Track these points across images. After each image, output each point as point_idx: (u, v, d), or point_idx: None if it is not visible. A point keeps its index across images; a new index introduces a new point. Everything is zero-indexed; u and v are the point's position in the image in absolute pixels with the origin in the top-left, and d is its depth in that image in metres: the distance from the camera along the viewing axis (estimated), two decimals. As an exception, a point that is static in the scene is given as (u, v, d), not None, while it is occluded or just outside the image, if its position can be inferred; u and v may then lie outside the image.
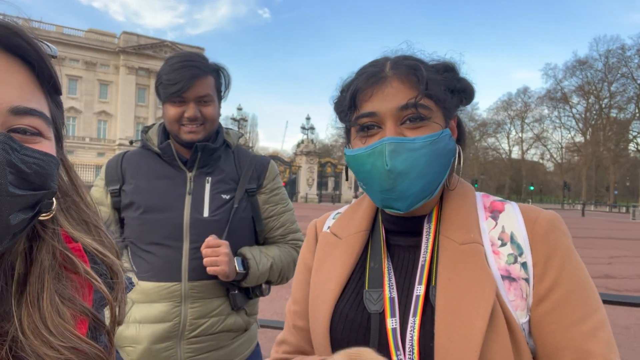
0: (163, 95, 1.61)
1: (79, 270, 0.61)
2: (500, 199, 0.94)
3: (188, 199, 1.63)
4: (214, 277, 1.55)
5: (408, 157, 0.81)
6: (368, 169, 0.85)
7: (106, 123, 59.59)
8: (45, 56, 0.58)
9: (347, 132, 0.95)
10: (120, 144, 57.46)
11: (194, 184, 1.65)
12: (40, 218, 0.58)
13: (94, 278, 0.62)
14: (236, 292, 1.61)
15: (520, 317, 0.79)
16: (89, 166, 50.38)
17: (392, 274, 0.88)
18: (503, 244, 0.84)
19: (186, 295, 1.55)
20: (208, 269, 1.51)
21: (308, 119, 44.93)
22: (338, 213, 1.07)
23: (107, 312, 0.66)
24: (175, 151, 1.65)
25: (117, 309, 0.65)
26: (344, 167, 0.98)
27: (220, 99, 1.72)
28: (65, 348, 0.55)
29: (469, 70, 0.93)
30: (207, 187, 1.65)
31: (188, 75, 1.55)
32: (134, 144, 2.17)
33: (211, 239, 1.53)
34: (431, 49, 0.93)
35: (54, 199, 0.59)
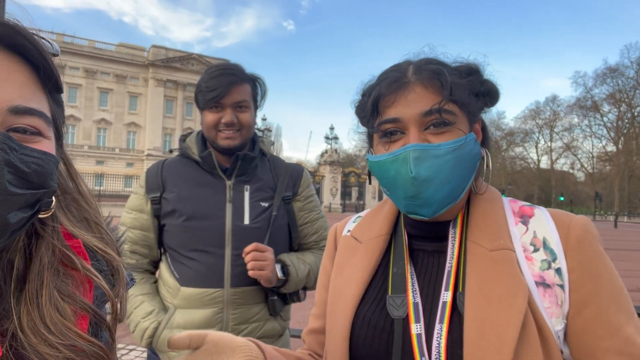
0: (202, 102, 1.67)
1: (77, 267, 0.61)
2: (528, 203, 0.92)
3: (229, 207, 1.66)
4: (255, 283, 1.59)
5: (433, 164, 0.80)
6: (392, 175, 0.84)
7: (135, 134, 61.18)
8: (47, 55, 0.58)
9: (370, 137, 0.94)
10: (148, 154, 58.85)
11: (234, 192, 1.68)
12: (40, 216, 0.58)
13: (94, 274, 0.62)
14: (275, 298, 1.66)
15: (556, 325, 0.77)
16: (118, 176, 51.74)
17: (415, 279, 0.87)
18: (536, 250, 0.82)
19: (228, 301, 1.58)
20: (253, 272, 1.53)
21: (332, 128, 45.02)
22: (359, 217, 1.07)
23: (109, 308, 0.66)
24: (215, 159, 1.69)
25: (118, 305, 0.65)
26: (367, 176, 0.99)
27: (256, 107, 1.77)
28: (64, 346, 0.54)
29: (493, 72, 0.90)
30: (246, 195, 1.69)
31: (225, 82, 1.61)
32: (173, 152, 2.22)
33: (259, 244, 1.57)
34: (454, 53, 0.91)
35: (53, 197, 0.59)
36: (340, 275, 0.96)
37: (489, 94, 0.89)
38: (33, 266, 0.58)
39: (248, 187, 1.70)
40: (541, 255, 0.81)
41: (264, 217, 1.68)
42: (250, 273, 1.54)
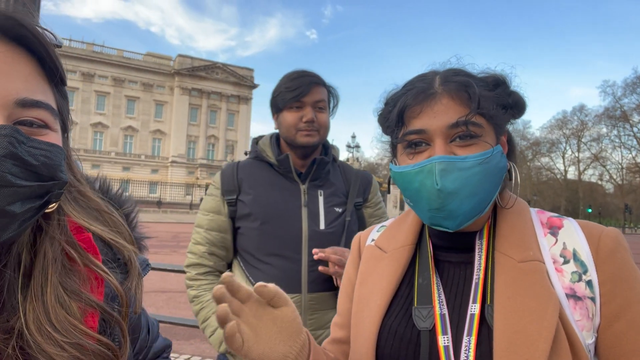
0: (282, 102, 1.69)
1: (85, 262, 0.61)
2: (556, 214, 0.90)
3: (304, 211, 1.67)
4: (331, 289, 1.59)
5: (459, 177, 0.79)
6: (416, 187, 0.83)
7: (160, 141, 62.33)
8: (50, 47, 0.58)
9: (393, 146, 0.93)
10: (172, 161, 59.87)
11: (308, 197, 1.69)
12: (45, 211, 0.57)
13: (101, 269, 0.61)
14: None
15: (587, 338, 0.76)
16: (144, 182, 52.75)
17: (442, 290, 0.86)
18: (566, 262, 0.81)
19: (306, 306, 1.58)
20: (334, 269, 1.54)
21: (353, 137, 45.00)
22: (383, 226, 1.06)
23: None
24: (292, 163, 1.71)
25: (130, 297, 0.65)
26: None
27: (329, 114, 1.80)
28: (70, 344, 0.54)
29: (520, 84, 0.89)
30: (321, 200, 1.70)
31: (306, 82, 1.66)
32: (246, 155, 2.24)
33: (336, 247, 1.58)
34: (481, 65, 0.90)
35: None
36: (365, 285, 0.95)
37: (516, 106, 0.88)
38: (37, 262, 0.58)
39: (322, 191, 1.71)
40: (571, 267, 0.80)
41: (338, 223, 1.68)
42: (330, 269, 1.54)
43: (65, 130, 0.64)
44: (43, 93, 0.57)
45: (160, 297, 7.57)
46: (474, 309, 0.80)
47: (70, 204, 0.64)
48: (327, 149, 1.79)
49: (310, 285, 1.58)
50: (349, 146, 44.92)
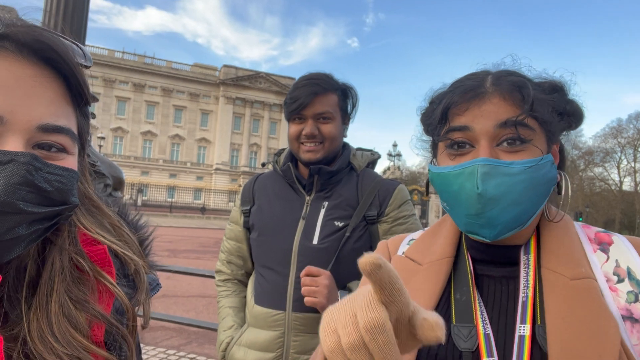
0: (286, 114, 1.63)
1: (94, 274, 0.61)
2: (602, 230, 0.84)
3: (301, 224, 1.57)
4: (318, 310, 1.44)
5: (502, 182, 0.73)
6: (455, 189, 0.77)
7: (205, 149, 64.13)
8: (78, 69, 0.58)
9: (434, 146, 0.89)
10: (216, 169, 61.42)
11: (310, 208, 1.59)
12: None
13: (108, 281, 0.61)
14: None
15: None
16: (189, 189, 54.39)
17: (483, 307, 0.79)
18: (620, 280, 0.74)
19: (290, 326, 1.48)
20: (305, 299, 1.40)
21: (395, 145, 44.54)
22: (412, 239, 0.98)
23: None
24: (295, 174, 1.63)
25: (137, 312, 0.64)
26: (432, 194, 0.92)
27: (345, 118, 1.68)
28: (69, 356, 0.54)
29: (579, 92, 0.82)
30: (322, 212, 1.58)
31: (307, 92, 1.54)
32: (265, 167, 2.20)
33: (312, 267, 1.44)
34: (539, 68, 0.83)
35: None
36: None
37: (573, 115, 0.81)
38: (44, 272, 0.58)
39: (326, 203, 1.59)
40: (627, 286, 0.73)
41: (334, 238, 1.52)
42: (305, 300, 1.41)
43: (83, 148, 0.64)
44: (66, 117, 0.57)
45: (201, 301, 7.72)
46: (524, 329, 0.73)
47: (84, 216, 0.65)
48: (341, 156, 1.66)
49: (295, 304, 1.48)
50: (389, 155, 44.52)
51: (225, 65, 65.17)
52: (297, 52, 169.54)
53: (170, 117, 62.31)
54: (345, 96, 1.65)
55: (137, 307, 0.66)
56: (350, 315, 0.47)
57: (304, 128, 1.57)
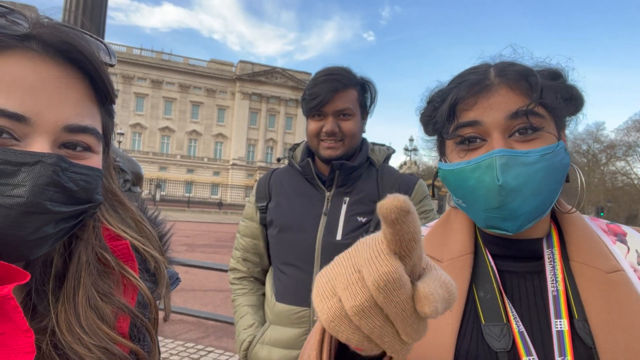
0: (305, 110, 1.60)
1: (118, 268, 0.62)
2: (610, 221, 0.85)
3: (323, 220, 1.56)
4: None
5: (522, 172, 0.71)
6: (472, 184, 0.75)
7: (222, 144, 64.59)
8: (103, 69, 0.59)
9: (441, 144, 0.87)
10: (233, 164, 61.85)
11: (331, 204, 1.58)
12: None
13: (131, 275, 0.63)
14: None
15: None
16: (206, 184, 54.91)
17: (511, 304, 0.76)
18: None
19: (315, 323, 1.48)
20: None
21: (411, 140, 44.17)
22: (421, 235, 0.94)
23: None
24: (314, 169, 1.61)
25: (158, 306, 0.66)
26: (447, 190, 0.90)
27: (365, 114, 1.66)
28: (96, 347, 0.55)
29: (578, 78, 0.80)
30: (344, 208, 1.56)
31: (328, 89, 1.51)
32: (281, 162, 2.16)
33: None
34: (539, 55, 0.81)
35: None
36: None
37: (576, 100, 0.80)
38: (71, 265, 0.59)
39: (347, 199, 1.58)
40: None
41: (358, 234, 1.51)
42: None
43: (107, 146, 0.65)
44: (91, 116, 0.58)
45: (218, 296, 7.81)
46: (561, 325, 0.71)
47: (108, 212, 0.66)
48: (360, 151, 1.65)
49: None
50: (406, 149, 44.18)
51: (241, 61, 65.43)
52: (312, 47, 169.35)
53: (187, 113, 62.87)
54: (364, 91, 1.63)
55: (158, 301, 0.67)
56: (353, 271, 0.40)
57: (324, 125, 1.55)
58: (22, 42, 0.53)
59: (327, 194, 1.61)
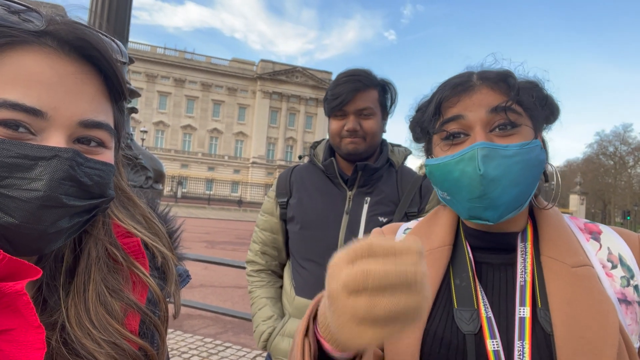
0: (327, 109, 1.65)
1: (128, 265, 0.63)
2: (589, 220, 0.90)
3: (345, 219, 1.60)
4: None
5: (501, 163, 0.77)
6: (456, 176, 0.80)
7: (242, 142, 65.11)
8: (117, 66, 0.60)
9: (428, 143, 0.93)
10: (253, 162, 62.27)
11: (353, 204, 1.62)
12: None
13: (141, 271, 0.63)
14: None
15: (635, 342, 0.75)
16: (226, 182, 55.44)
17: (483, 292, 0.83)
18: (614, 267, 0.81)
19: None
20: None
21: (432, 140, 43.75)
22: (407, 228, 1.00)
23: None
24: (337, 168, 1.65)
25: (168, 303, 0.66)
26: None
27: (385, 114, 1.70)
28: (106, 342, 0.56)
29: (553, 89, 0.87)
30: (365, 207, 1.61)
31: (349, 89, 1.57)
32: (302, 159, 1.95)
33: None
34: (519, 60, 0.88)
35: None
36: None
37: (551, 107, 0.87)
38: (82, 261, 0.60)
39: (368, 199, 1.62)
40: (619, 272, 0.80)
41: None
42: None
43: (119, 142, 0.67)
44: (105, 113, 0.59)
45: (237, 292, 7.89)
46: (523, 312, 0.78)
47: (117, 208, 0.67)
48: (381, 152, 1.69)
49: None
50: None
51: (262, 60, 65.79)
52: (333, 46, 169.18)
53: (209, 112, 63.57)
54: (384, 92, 1.67)
55: (168, 299, 0.68)
56: (385, 247, 0.47)
57: (345, 124, 1.59)
58: (39, 38, 0.54)
59: (349, 193, 1.64)
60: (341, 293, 0.48)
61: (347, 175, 1.65)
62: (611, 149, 58.68)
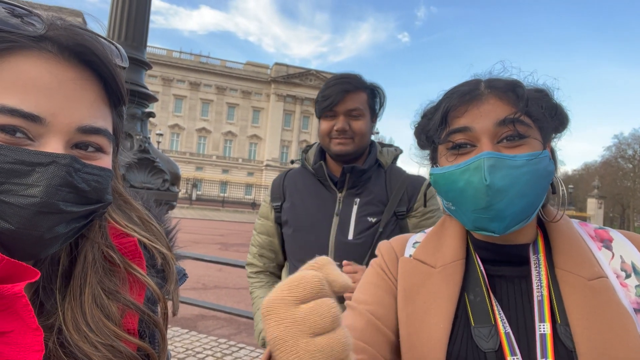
0: (318, 111, 1.69)
1: (125, 266, 0.63)
2: (598, 226, 0.88)
3: (335, 220, 1.64)
4: None
5: (508, 174, 0.75)
6: (461, 186, 0.78)
7: (256, 145, 65.46)
8: (117, 71, 0.60)
9: (433, 152, 0.91)
10: (267, 165, 62.53)
11: (343, 205, 1.65)
12: None
13: (139, 272, 0.63)
14: None
15: None
16: (240, 184, 55.74)
17: (499, 307, 0.80)
18: (627, 276, 0.78)
19: None
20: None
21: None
22: (416, 242, 0.97)
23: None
24: (327, 171, 1.69)
25: (167, 302, 0.67)
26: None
27: (374, 116, 1.74)
28: (103, 345, 0.56)
29: (563, 97, 0.85)
30: (355, 208, 1.64)
31: (339, 90, 1.62)
32: (294, 163, 2.04)
33: (348, 265, 1.49)
34: (528, 69, 0.86)
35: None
36: (414, 303, 0.85)
37: (560, 117, 0.84)
38: (78, 264, 0.60)
39: (358, 200, 1.66)
40: (634, 280, 0.77)
41: (368, 234, 1.60)
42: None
43: (117, 147, 0.67)
44: (103, 118, 0.59)
45: (242, 292, 7.95)
46: (544, 328, 0.75)
47: (114, 211, 0.67)
48: (370, 154, 1.72)
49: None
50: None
51: (276, 63, 66.13)
52: (346, 48, 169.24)
53: (223, 115, 64.04)
54: (373, 95, 1.72)
55: (167, 297, 0.68)
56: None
57: (335, 124, 1.64)
58: (38, 43, 0.53)
59: (339, 195, 1.68)
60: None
61: (336, 177, 1.69)
62: (630, 152, 57.50)
